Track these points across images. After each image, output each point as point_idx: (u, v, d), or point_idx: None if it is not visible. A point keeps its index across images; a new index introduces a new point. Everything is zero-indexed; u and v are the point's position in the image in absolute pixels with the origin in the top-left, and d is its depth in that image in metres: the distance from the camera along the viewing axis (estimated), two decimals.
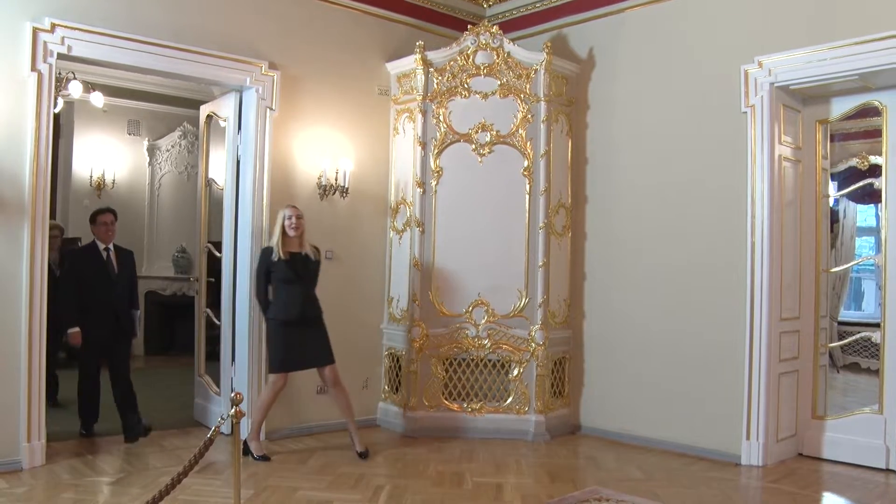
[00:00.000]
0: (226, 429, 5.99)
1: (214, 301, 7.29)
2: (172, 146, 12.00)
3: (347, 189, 7.23)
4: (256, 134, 6.76)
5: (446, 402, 7.18)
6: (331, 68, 7.28)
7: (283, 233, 6.21)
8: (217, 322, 7.17)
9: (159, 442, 6.56)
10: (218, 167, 7.44)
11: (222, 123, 7.17)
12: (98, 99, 9.05)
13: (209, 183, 7.66)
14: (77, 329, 6.39)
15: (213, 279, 7.41)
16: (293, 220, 6.22)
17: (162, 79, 8.91)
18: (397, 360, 7.41)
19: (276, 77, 6.83)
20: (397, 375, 7.42)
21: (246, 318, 6.73)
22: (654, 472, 6.11)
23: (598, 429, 7.37)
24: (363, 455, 6.26)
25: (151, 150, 11.95)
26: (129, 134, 11.78)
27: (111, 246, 6.73)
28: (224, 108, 7.13)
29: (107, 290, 6.56)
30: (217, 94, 7.40)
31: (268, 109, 6.80)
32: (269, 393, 6.30)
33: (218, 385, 7.11)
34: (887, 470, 6.06)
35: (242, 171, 6.87)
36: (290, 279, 6.20)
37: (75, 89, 8.17)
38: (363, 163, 7.46)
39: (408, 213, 7.32)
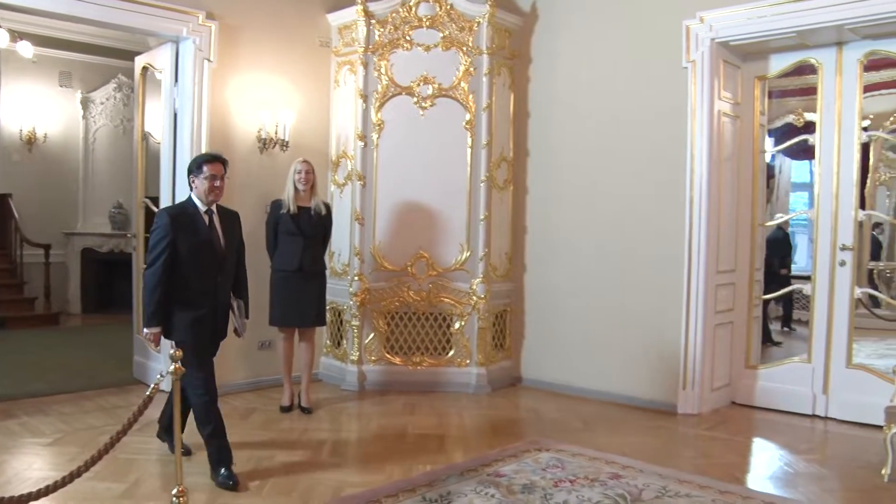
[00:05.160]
0: (166, 386, 5.92)
1: None
2: (107, 99, 11.69)
3: (288, 142, 7.12)
4: (194, 86, 6.60)
5: (388, 355, 7.21)
6: (270, 19, 7.13)
7: (295, 186, 6.30)
8: None
9: (97, 401, 6.47)
10: (155, 120, 7.25)
11: (158, 75, 7.00)
12: (26, 49, 8.75)
13: (146, 136, 7.48)
14: (158, 329, 4.66)
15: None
16: (302, 173, 6.29)
17: (94, 28, 8.61)
18: (339, 315, 7.39)
19: (213, 28, 6.66)
20: (339, 330, 7.42)
21: None
22: (593, 421, 6.24)
23: (539, 380, 7.48)
24: (306, 410, 6.28)
25: (85, 103, 11.62)
26: (61, 86, 11.44)
27: (214, 208, 4.82)
28: (160, 59, 6.94)
29: (211, 272, 4.77)
30: (153, 44, 7.21)
31: (205, 61, 6.64)
32: (281, 347, 6.51)
33: None
34: (814, 416, 6.32)
35: (180, 124, 6.72)
36: (293, 232, 6.28)
37: (1, 38, 7.86)
38: (304, 116, 7.36)
39: (349, 167, 7.26)
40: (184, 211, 4.75)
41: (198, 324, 4.70)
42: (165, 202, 6.83)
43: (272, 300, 6.39)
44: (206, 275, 4.72)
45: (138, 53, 7.62)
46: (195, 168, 4.75)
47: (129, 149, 9.51)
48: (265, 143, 7.04)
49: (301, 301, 6.31)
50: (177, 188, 6.73)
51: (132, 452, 5.04)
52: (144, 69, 7.32)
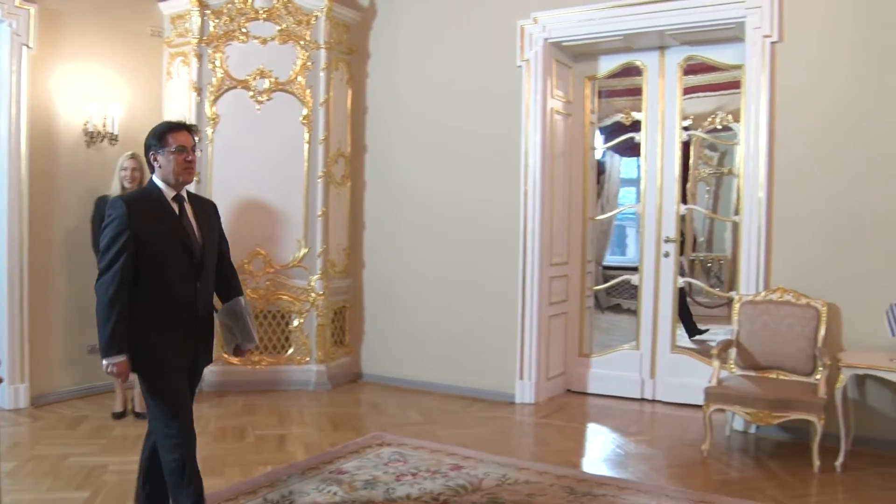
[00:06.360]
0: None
1: None
2: None
3: (117, 136, 6.80)
4: (11, 74, 6.17)
5: (226, 355, 7.02)
6: (97, 5, 6.77)
7: (121, 184, 5.96)
8: None
9: None
10: None
11: None
12: None
13: None
14: (123, 357, 3.35)
15: None
16: (128, 171, 5.96)
17: None
18: None
19: (32, 11, 6.25)
20: None
21: (4, 276, 6.20)
22: (434, 414, 6.33)
23: (379, 376, 7.51)
24: (141, 416, 6.04)
25: None
26: None
27: (185, 194, 3.66)
28: None
29: (187, 275, 3.55)
30: None
31: (24, 47, 6.23)
32: None
33: None
34: (642, 399, 6.70)
35: None
36: None
37: None
38: (134, 108, 7.05)
39: None
40: (146, 197, 3.56)
41: (174, 351, 3.52)
42: None
43: None
44: (182, 280, 3.53)
45: None
46: (156, 142, 3.54)
47: None
48: (92, 137, 6.70)
49: None
50: None
51: None
52: None
